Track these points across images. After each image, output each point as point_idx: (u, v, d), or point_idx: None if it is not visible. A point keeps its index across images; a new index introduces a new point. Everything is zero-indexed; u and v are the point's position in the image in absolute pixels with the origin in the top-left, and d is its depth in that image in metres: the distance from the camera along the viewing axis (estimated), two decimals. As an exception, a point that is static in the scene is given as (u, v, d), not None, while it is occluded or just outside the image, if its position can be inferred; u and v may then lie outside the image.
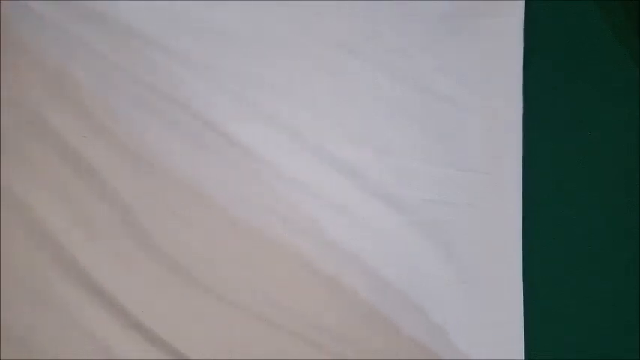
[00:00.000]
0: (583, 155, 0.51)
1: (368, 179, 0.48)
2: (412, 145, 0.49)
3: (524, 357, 0.46)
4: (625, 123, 0.51)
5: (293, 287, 0.47)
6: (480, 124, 0.49)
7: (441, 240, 0.47)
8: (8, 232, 0.47)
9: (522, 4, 0.51)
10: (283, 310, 0.46)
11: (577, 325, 0.47)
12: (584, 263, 0.48)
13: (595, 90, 0.51)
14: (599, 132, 0.51)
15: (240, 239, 0.47)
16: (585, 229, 0.50)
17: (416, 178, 0.49)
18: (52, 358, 0.45)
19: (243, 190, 0.48)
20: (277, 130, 0.49)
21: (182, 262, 0.47)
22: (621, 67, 0.52)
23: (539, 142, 0.50)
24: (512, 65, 0.50)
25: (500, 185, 0.48)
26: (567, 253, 0.49)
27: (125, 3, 0.51)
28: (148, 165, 0.48)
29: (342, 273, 0.47)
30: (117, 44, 0.50)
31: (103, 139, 0.48)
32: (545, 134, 0.51)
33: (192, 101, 0.49)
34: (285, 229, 0.48)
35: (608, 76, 0.51)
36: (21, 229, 0.47)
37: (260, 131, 0.49)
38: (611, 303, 0.48)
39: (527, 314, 0.46)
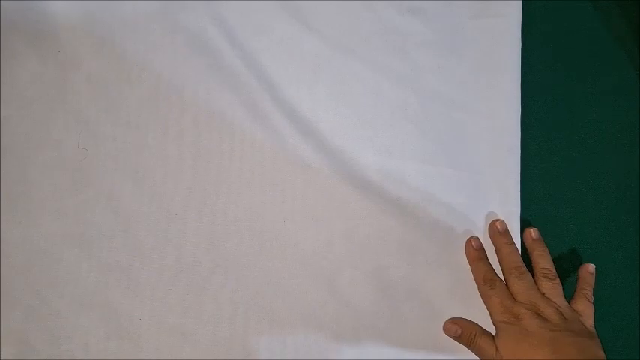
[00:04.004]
0: (582, 155, 0.50)
1: (367, 179, 0.48)
2: (411, 146, 0.49)
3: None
4: (624, 123, 0.51)
5: (292, 286, 0.47)
6: (478, 124, 0.49)
7: (440, 240, 0.47)
8: (7, 243, 0.47)
9: (520, 4, 0.51)
10: (280, 314, 0.46)
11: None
12: (582, 263, 0.47)
13: (593, 91, 0.51)
14: (598, 132, 0.51)
15: (241, 244, 0.48)
16: (584, 228, 0.49)
17: (415, 178, 0.49)
18: None
19: (243, 195, 0.48)
20: (276, 131, 0.49)
21: (183, 273, 0.47)
22: (619, 68, 0.51)
23: (537, 142, 0.50)
24: (510, 65, 0.50)
25: (499, 185, 0.48)
26: (566, 252, 0.49)
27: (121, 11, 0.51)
28: (148, 175, 0.48)
29: (342, 272, 0.47)
30: (115, 55, 0.50)
31: (102, 149, 0.49)
32: (544, 134, 0.51)
33: (191, 104, 0.50)
34: (285, 230, 0.48)
35: (607, 77, 0.51)
36: (20, 240, 0.47)
37: (257, 133, 0.49)
38: (611, 303, 0.47)
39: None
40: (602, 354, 0.41)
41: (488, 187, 0.48)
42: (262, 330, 0.46)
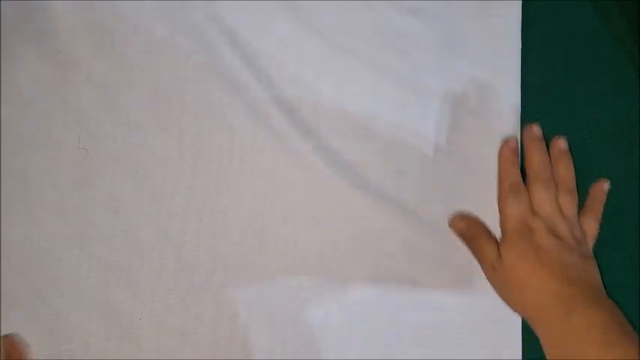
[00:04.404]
0: (582, 155, 0.50)
1: (367, 179, 0.48)
2: (411, 145, 0.49)
3: (522, 357, 0.46)
4: (624, 123, 0.51)
5: (292, 286, 0.47)
6: (479, 124, 0.49)
7: (441, 240, 0.47)
8: (7, 243, 0.47)
9: (520, 4, 0.51)
10: (280, 314, 0.46)
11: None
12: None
13: (593, 91, 0.51)
14: (598, 132, 0.51)
15: (241, 244, 0.48)
16: (584, 229, 0.49)
17: (415, 177, 0.49)
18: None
19: (243, 195, 0.48)
20: (276, 131, 0.49)
21: (183, 273, 0.47)
22: (619, 68, 0.51)
23: (537, 142, 0.50)
24: (510, 65, 0.50)
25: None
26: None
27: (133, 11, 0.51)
28: (148, 175, 0.48)
29: (342, 272, 0.47)
30: (116, 57, 0.50)
31: (102, 149, 0.49)
32: (544, 134, 0.51)
33: (191, 104, 0.50)
34: (285, 230, 0.48)
35: (607, 77, 0.51)
36: (20, 240, 0.48)
37: (257, 133, 0.49)
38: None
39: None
40: (599, 278, 0.41)
41: (489, 187, 0.48)
42: (262, 330, 0.46)
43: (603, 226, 0.49)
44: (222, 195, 0.48)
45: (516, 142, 0.46)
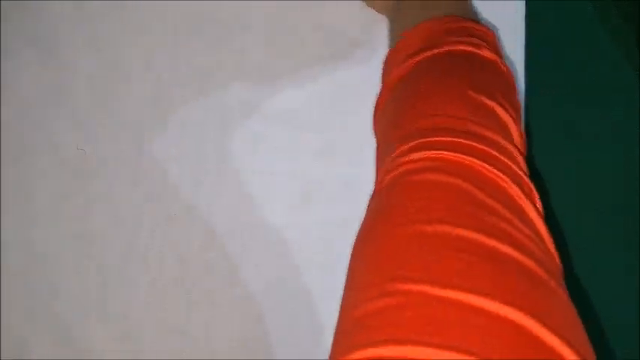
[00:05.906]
0: (582, 155, 0.50)
1: (368, 178, 0.48)
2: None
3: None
4: (624, 123, 0.51)
5: (293, 286, 0.47)
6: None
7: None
8: (7, 244, 0.47)
9: (520, 4, 0.51)
10: (281, 314, 0.46)
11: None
12: (584, 264, 0.47)
13: (593, 91, 0.51)
14: (598, 132, 0.51)
15: (241, 244, 0.48)
16: (584, 228, 0.49)
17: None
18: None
19: (243, 195, 0.48)
20: (277, 131, 0.49)
21: (183, 273, 0.47)
22: (619, 68, 0.51)
23: (537, 142, 0.50)
24: (512, 65, 0.50)
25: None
26: (567, 253, 0.49)
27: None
28: (148, 175, 0.48)
29: (344, 272, 0.47)
30: (115, 57, 0.50)
31: (102, 149, 0.49)
32: (544, 134, 0.51)
33: (191, 104, 0.50)
34: (285, 229, 0.48)
35: (607, 77, 0.51)
36: (19, 241, 0.48)
37: (258, 133, 0.49)
38: (611, 303, 0.47)
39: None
40: None
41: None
42: (263, 330, 0.46)
43: (603, 226, 0.49)
44: (223, 195, 0.48)
45: None
